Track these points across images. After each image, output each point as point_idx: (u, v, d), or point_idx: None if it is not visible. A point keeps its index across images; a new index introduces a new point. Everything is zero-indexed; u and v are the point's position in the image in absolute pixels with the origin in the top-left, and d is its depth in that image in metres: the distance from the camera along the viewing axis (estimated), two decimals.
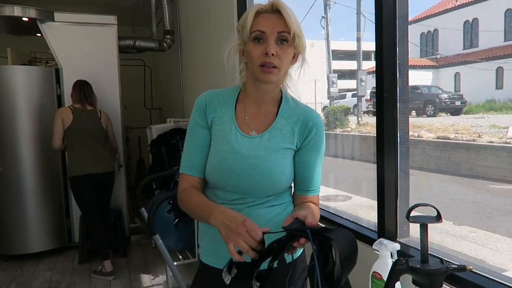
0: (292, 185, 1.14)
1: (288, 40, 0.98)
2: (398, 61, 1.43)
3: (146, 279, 3.16)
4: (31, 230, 3.58)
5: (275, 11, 0.98)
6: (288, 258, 0.84)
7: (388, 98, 1.43)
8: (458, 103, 10.21)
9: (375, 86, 1.47)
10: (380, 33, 1.43)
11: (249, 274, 0.83)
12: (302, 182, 1.09)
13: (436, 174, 5.98)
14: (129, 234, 3.97)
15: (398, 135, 1.44)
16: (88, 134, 3.17)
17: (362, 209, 4.91)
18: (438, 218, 0.95)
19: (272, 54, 0.96)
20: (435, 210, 0.96)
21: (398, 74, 1.44)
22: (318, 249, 0.77)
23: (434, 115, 9.47)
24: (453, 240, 3.72)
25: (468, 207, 4.66)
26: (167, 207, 2.93)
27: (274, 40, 0.97)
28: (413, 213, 0.97)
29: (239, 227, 0.83)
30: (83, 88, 3.22)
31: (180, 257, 3.10)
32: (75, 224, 3.74)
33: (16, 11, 3.52)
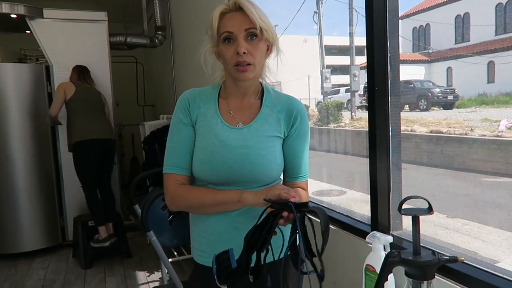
0: (281, 175, 1.15)
1: (257, 35, 0.99)
2: (389, 55, 1.43)
3: (141, 276, 3.15)
4: (24, 228, 3.56)
5: (239, 8, 0.99)
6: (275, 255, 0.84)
7: (380, 92, 1.43)
8: (450, 97, 10.27)
9: (366, 80, 1.47)
10: (370, 26, 1.43)
11: (244, 272, 0.83)
12: (292, 169, 1.12)
13: (429, 168, 6.02)
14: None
15: (390, 129, 1.45)
16: (90, 104, 3.36)
17: (356, 203, 4.92)
18: (429, 210, 0.96)
19: (244, 53, 0.97)
20: (426, 202, 0.97)
21: (389, 68, 1.44)
22: (301, 221, 0.79)
23: (427, 109, 9.52)
24: (446, 233, 3.75)
25: (461, 200, 4.69)
26: (161, 204, 2.91)
27: (243, 38, 0.98)
28: (404, 206, 0.97)
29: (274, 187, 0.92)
30: (82, 71, 3.47)
31: (175, 253, 3.10)
32: (68, 223, 3.72)
33: (4, 7, 3.48)
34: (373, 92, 1.44)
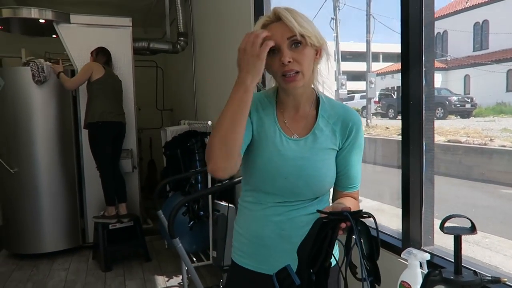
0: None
1: (301, 42, 0.97)
2: (424, 69, 1.43)
3: (160, 280, 3.17)
4: (46, 230, 3.62)
5: (279, 18, 0.98)
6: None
7: (414, 106, 1.43)
8: (468, 105, 10.13)
9: (401, 93, 1.47)
10: (406, 40, 1.43)
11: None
12: (344, 180, 1.10)
13: (447, 178, 5.94)
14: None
15: (424, 143, 1.44)
16: (113, 89, 3.55)
17: (372, 212, 4.87)
18: (472, 229, 0.95)
19: (289, 62, 0.96)
20: (469, 221, 0.96)
21: (424, 82, 1.43)
22: (358, 229, 0.80)
23: (443, 118, 9.41)
24: (465, 246, 3.65)
25: (480, 212, 4.61)
26: (182, 210, 2.94)
27: (287, 47, 0.97)
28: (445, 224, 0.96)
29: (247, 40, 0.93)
30: (109, 57, 3.66)
31: (194, 259, 3.12)
32: (89, 225, 3.77)
33: (33, 13, 3.56)
34: (408, 105, 1.43)
